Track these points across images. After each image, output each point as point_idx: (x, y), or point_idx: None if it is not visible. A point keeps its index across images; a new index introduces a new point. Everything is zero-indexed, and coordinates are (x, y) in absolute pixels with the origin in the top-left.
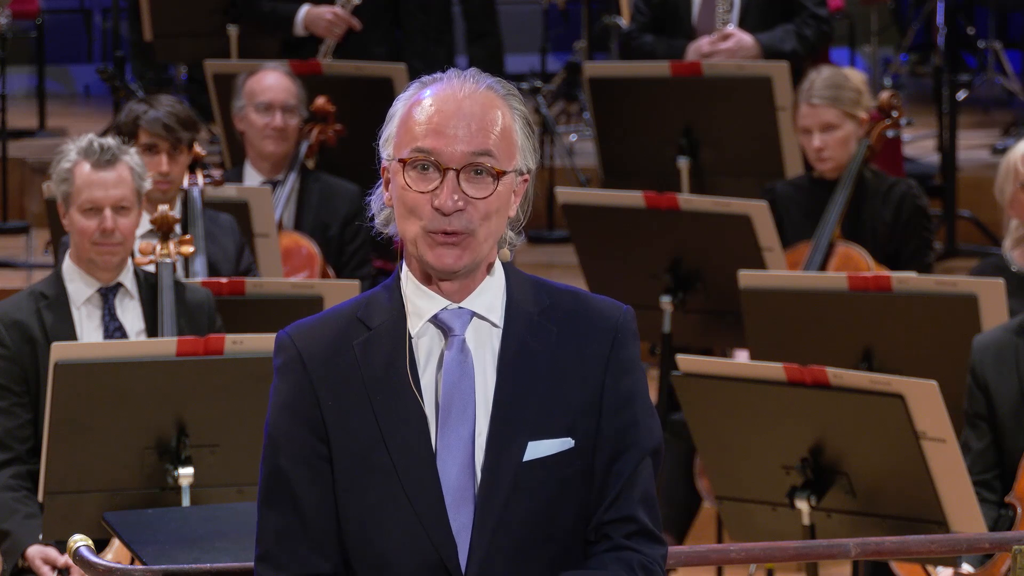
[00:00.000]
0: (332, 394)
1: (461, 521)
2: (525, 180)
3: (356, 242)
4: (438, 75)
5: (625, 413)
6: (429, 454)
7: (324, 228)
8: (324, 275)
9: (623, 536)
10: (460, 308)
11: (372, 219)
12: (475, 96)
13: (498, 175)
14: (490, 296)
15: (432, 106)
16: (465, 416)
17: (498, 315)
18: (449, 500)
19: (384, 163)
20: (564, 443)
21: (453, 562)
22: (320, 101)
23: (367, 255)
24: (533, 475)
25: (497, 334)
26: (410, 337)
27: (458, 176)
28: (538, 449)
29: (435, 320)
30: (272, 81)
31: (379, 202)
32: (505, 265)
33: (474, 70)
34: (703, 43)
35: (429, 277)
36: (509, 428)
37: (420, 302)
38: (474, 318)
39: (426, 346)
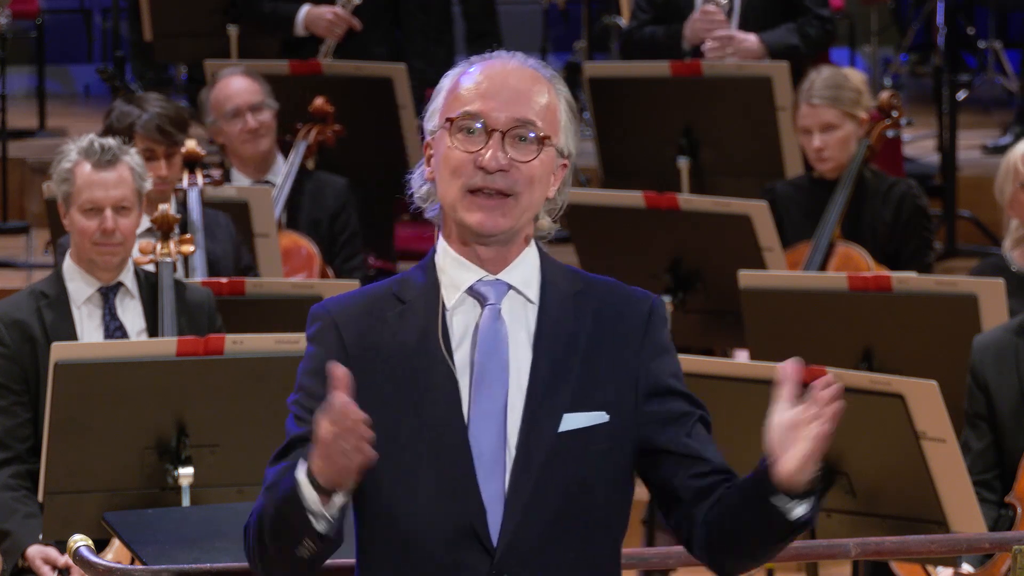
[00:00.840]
0: (365, 363)
1: (491, 490)
2: (565, 165)
3: (345, 233)
4: (486, 55)
5: (668, 393)
6: (460, 423)
7: (316, 225)
8: (324, 275)
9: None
10: (497, 280)
11: (411, 196)
12: (522, 71)
13: (542, 140)
14: (526, 271)
15: (480, 75)
16: (499, 385)
17: (533, 291)
18: (480, 469)
19: (428, 137)
20: (599, 417)
21: (483, 530)
22: (319, 102)
23: (357, 247)
24: (568, 447)
25: (532, 310)
26: (445, 309)
27: (503, 139)
28: (573, 421)
29: (471, 291)
30: (233, 87)
31: (420, 179)
32: (540, 249)
33: (520, 53)
34: (697, 18)
35: (466, 244)
36: (545, 399)
37: (456, 274)
38: (510, 291)
39: (462, 319)
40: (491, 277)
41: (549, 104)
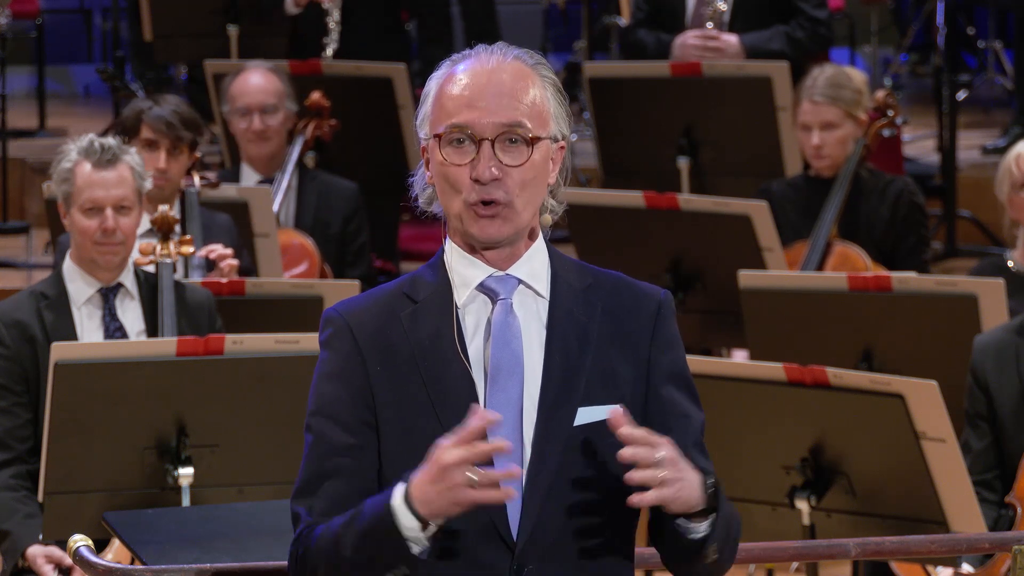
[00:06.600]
0: (380, 363)
1: (510, 484)
2: (562, 148)
3: (357, 242)
4: (467, 52)
5: (676, 385)
6: None
7: (324, 226)
8: (321, 269)
9: None
10: (506, 275)
11: (415, 200)
12: (504, 67)
13: (532, 142)
14: (535, 265)
15: (463, 80)
16: (513, 378)
17: (543, 285)
18: (498, 463)
19: (422, 143)
20: (613, 410)
21: (503, 525)
22: (315, 96)
23: (367, 254)
24: (583, 440)
25: (543, 304)
26: (457, 307)
27: (492, 146)
28: (588, 415)
29: (481, 287)
30: (250, 84)
31: (422, 182)
32: (548, 245)
33: (502, 44)
34: (688, 36)
35: (474, 248)
36: (560, 393)
37: (466, 271)
38: (520, 286)
39: (473, 315)
40: (500, 273)
41: (535, 97)
